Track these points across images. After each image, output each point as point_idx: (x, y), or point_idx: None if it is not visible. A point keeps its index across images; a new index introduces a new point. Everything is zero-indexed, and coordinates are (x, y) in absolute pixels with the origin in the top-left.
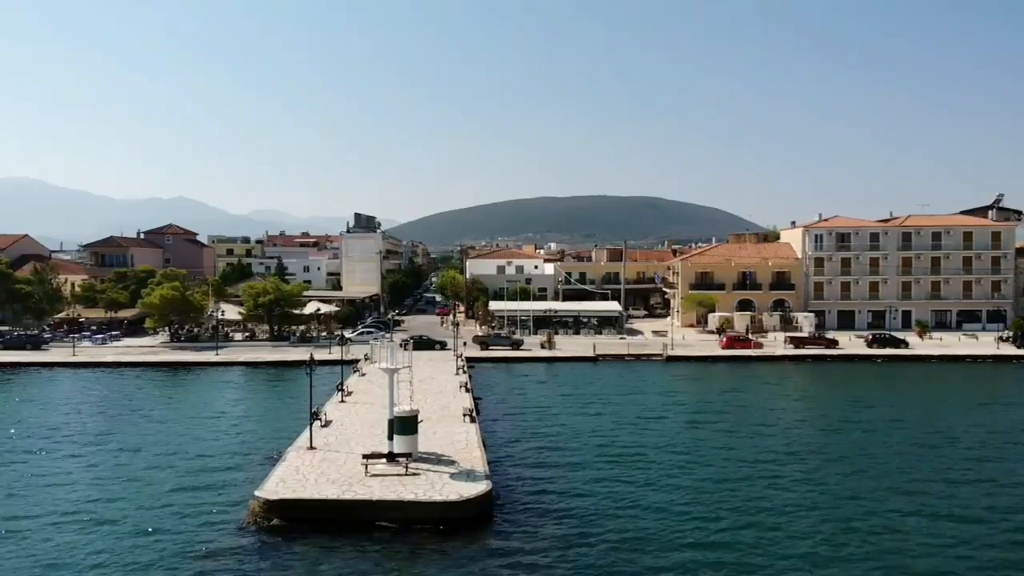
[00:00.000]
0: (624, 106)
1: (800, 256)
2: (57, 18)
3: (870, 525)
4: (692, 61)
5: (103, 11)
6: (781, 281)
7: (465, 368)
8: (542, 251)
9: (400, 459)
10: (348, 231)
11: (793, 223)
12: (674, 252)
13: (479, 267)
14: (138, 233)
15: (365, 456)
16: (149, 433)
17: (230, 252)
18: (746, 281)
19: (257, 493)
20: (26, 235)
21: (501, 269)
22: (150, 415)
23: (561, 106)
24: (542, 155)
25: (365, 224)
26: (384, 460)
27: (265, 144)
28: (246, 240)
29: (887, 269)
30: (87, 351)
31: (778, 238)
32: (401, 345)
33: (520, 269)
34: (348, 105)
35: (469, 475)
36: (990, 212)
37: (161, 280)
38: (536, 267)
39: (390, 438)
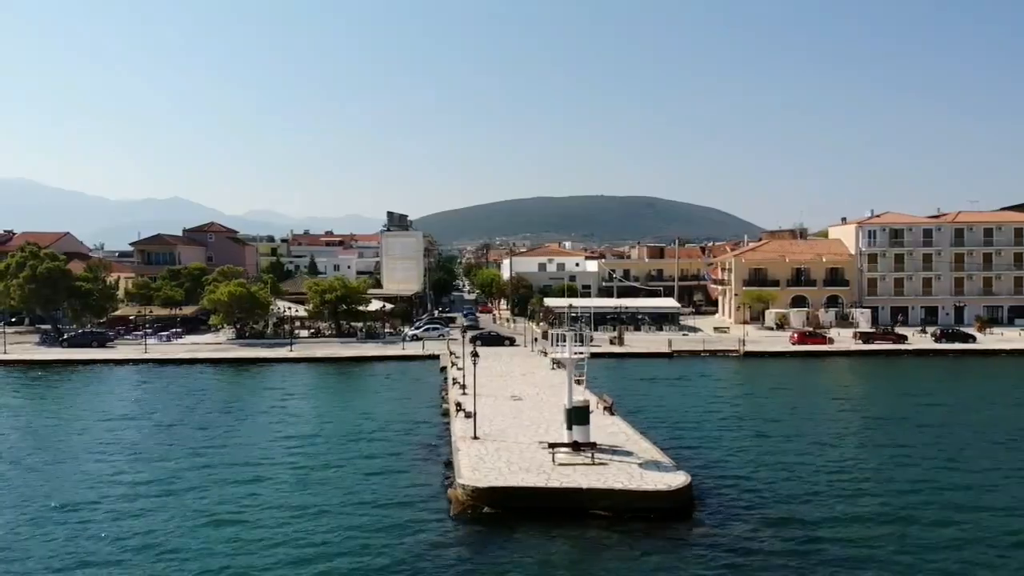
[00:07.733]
0: (621, 106)
1: (853, 252)
2: (52, 18)
3: None
4: (690, 61)
5: (98, 11)
6: (835, 277)
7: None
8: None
9: (584, 448)
10: (387, 229)
11: (844, 219)
12: (702, 250)
13: (520, 265)
14: (183, 231)
15: (551, 445)
16: (289, 428)
17: (256, 251)
18: (800, 277)
19: (461, 481)
20: (67, 233)
21: (542, 267)
22: (270, 411)
23: (558, 106)
24: (539, 155)
25: (398, 223)
26: (568, 449)
27: (260, 145)
28: (271, 239)
29: (940, 265)
30: (157, 348)
31: (804, 236)
32: (472, 341)
33: (561, 267)
34: (344, 106)
35: (658, 465)
36: None
37: (219, 277)
38: (577, 264)
39: (568, 427)
